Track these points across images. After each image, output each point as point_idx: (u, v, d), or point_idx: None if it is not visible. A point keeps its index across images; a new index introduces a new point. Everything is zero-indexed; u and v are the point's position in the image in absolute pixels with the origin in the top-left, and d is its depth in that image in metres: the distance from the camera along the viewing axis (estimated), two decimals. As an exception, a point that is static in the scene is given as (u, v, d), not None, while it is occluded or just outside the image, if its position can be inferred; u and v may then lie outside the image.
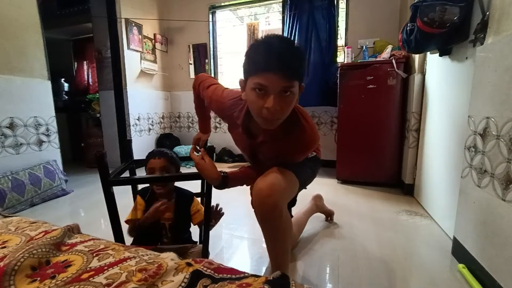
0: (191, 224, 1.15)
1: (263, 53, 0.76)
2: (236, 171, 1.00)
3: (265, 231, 0.94)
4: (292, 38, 2.90)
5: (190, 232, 1.19)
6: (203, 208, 1.07)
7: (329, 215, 1.64)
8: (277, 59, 0.74)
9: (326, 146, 3.04)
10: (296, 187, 1.00)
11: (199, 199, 1.23)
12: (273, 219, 0.89)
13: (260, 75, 0.75)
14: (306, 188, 1.14)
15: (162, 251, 0.64)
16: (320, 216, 1.72)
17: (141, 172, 1.15)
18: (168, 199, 1.07)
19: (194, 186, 1.22)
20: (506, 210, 0.90)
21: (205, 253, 1.03)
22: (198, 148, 1.24)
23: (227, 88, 1.10)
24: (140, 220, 1.02)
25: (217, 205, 1.14)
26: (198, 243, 1.20)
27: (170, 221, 1.09)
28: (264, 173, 0.92)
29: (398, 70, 2.07)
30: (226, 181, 0.93)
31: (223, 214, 1.16)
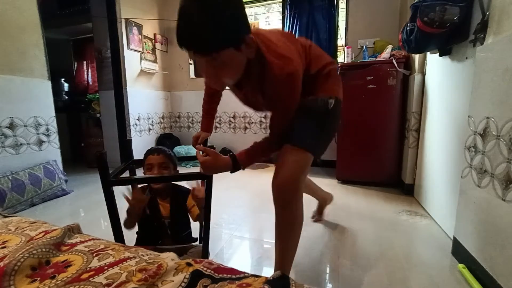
0: (191, 221, 1.16)
1: (176, 33, 0.71)
2: (244, 150, 0.95)
3: (280, 219, 0.93)
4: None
5: (190, 229, 1.19)
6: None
7: (324, 202, 1.64)
8: (184, 38, 0.70)
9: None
10: (309, 162, 0.95)
11: None
12: (289, 207, 0.92)
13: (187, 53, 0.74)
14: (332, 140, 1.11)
15: (162, 251, 0.64)
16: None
17: (141, 172, 1.15)
18: (166, 195, 1.10)
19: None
20: (506, 210, 0.90)
21: (205, 253, 1.03)
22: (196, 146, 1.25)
23: None
24: (127, 210, 1.00)
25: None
26: (198, 241, 1.20)
27: (168, 219, 1.09)
28: (277, 163, 0.93)
29: (399, 68, 2.07)
30: (236, 163, 0.91)
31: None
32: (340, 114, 1.08)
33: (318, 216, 1.65)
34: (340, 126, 2.33)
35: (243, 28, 0.74)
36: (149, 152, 1.11)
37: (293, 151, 0.91)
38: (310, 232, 1.50)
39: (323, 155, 1.04)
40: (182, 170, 2.78)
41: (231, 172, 0.93)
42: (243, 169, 0.94)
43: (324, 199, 1.63)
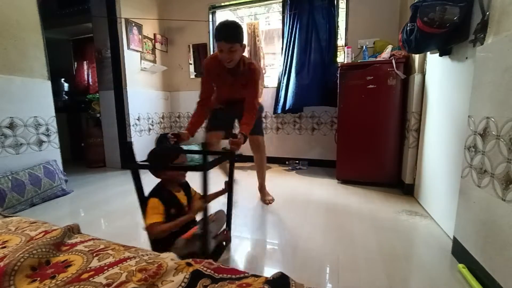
0: None
1: (217, 29, 1.52)
2: (243, 126, 1.63)
3: (257, 155, 1.99)
4: (292, 38, 2.92)
5: None
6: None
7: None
8: (223, 32, 1.50)
9: (326, 146, 3.04)
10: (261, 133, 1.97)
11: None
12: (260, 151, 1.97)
13: (218, 43, 1.51)
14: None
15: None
16: (319, 215, 1.72)
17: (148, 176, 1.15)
18: (179, 186, 1.16)
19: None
20: (506, 210, 0.90)
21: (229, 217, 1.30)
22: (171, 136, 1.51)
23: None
24: (176, 223, 1.04)
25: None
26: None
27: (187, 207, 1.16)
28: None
29: (397, 70, 2.07)
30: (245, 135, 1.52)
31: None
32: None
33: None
34: (340, 126, 2.35)
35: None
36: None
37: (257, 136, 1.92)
38: (310, 232, 1.50)
39: None
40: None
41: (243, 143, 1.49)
42: (247, 137, 1.56)
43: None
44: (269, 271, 1.14)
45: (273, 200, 2.00)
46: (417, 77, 1.92)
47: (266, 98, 3.23)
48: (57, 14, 3.63)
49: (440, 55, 1.51)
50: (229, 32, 1.49)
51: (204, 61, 1.74)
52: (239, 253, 1.34)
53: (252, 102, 1.67)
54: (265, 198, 2.00)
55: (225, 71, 1.65)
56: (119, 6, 2.91)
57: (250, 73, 1.65)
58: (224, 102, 1.88)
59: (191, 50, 3.55)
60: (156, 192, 1.10)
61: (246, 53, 3.15)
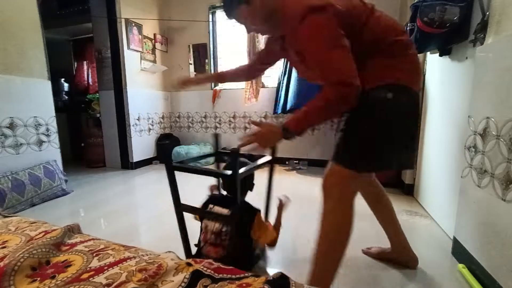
0: None
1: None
2: (293, 115, 0.86)
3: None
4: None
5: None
6: None
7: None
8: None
9: (326, 146, 3.04)
10: (347, 174, 0.87)
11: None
12: (325, 199, 0.93)
13: None
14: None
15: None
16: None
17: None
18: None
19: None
20: (506, 210, 0.90)
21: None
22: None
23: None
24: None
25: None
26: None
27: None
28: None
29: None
30: (284, 127, 0.84)
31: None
32: (411, 106, 0.87)
33: (370, 251, 1.29)
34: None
35: None
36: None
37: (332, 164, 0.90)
38: (310, 232, 1.50)
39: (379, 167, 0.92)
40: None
41: (285, 138, 0.86)
42: (298, 134, 0.85)
43: (398, 250, 1.19)
44: (269, 271, 1.14)
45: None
46: (417, 77, 1.92)
47: (266, 98, 3.23)
48: (57, 14, 3.63)
49: (440, 55, 1.51)
50: (224, 8, 0.94)
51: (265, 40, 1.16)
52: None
53: (322, 80, 0.83)
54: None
55: (276, 43, 1.02)
56: (119, 6, 2.91)
57: (291, 31, 0.84)
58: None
59: (191, 50, 3.55)
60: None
61: (245, 53, 3.16)
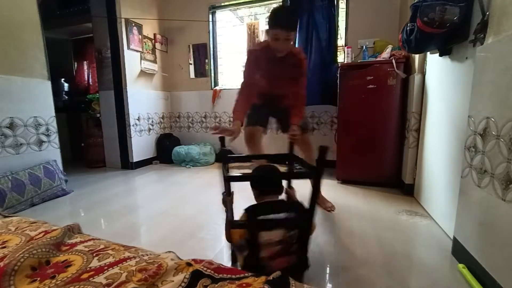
0: None
1: (276, 14, 1.41)
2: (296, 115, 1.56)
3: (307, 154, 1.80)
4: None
5: None
6: None
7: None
8: (283, 19, 1.38)
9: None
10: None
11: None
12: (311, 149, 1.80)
13: (273, 30, 1.38)
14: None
15: None
16: (319, 215, 1.71)
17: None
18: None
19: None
20: (506, 210, 0.90)
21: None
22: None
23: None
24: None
25: None
26: None
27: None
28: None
29: (397, 70, 2.07)
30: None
31: None
32: None
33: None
34: (340, 126, 2.33)
35: None
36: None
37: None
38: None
39: None
40: (181, 170, 2.78)
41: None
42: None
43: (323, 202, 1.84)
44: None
45: (333, 207, 1.78)
46: (417, 77, 1.92)
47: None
48: (57, 14, 3.63)
49: (440, 55, 1.51)
50: (290, 19, 1.36)
51: (251, 49, 1.66)
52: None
53: (302, 93, 1.59)
54: (324, 205, 1.80)
55: (275, 60, 1.49)
56: (119, 6, 2.91)
57: (300, 63, 1.54)
58: (264, 96, 1.71)
59: (191, 50, 3.55)
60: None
61: (245, 53, 3.16)
